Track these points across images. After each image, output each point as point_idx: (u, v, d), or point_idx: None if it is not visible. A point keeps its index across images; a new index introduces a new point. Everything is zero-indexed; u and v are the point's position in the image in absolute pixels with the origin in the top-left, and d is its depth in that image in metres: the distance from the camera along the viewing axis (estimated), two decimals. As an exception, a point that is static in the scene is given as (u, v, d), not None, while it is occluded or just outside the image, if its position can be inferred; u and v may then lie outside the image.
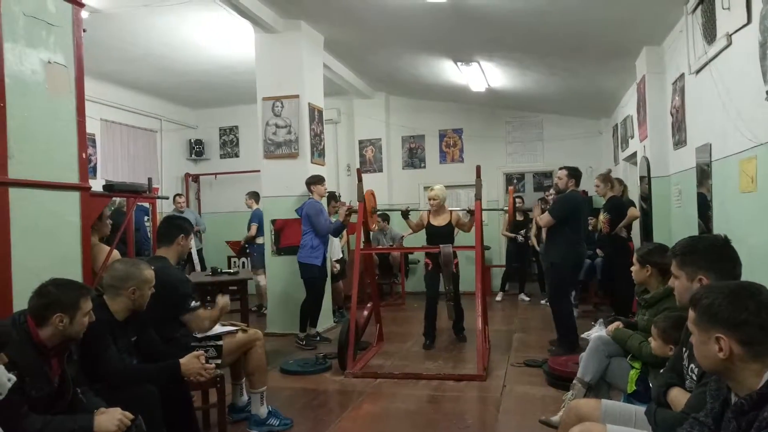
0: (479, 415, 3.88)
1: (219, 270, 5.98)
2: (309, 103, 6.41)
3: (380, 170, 9.59)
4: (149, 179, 4.70)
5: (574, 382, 3.09)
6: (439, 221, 5.63)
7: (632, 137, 7.10)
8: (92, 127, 7.46)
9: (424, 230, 5.75)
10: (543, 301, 7.48)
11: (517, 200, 7.78)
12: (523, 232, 8.30)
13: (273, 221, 6.43)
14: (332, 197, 7.01)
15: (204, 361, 2.76)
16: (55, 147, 2.91)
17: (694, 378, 1.94)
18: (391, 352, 5.44)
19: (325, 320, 6.40)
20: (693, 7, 4.47)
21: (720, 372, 1.46)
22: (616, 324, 3.05)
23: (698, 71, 4.56)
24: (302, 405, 3.99)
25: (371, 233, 6.23)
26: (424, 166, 9.77)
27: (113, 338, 2.53)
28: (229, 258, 8.87)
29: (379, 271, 8.19)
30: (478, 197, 5.14)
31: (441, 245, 5.09)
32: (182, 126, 9.84)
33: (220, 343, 3.22)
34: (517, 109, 9.30)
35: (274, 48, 6.30)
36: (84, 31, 3.09)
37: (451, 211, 5.70)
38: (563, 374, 4.00)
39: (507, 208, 5.90)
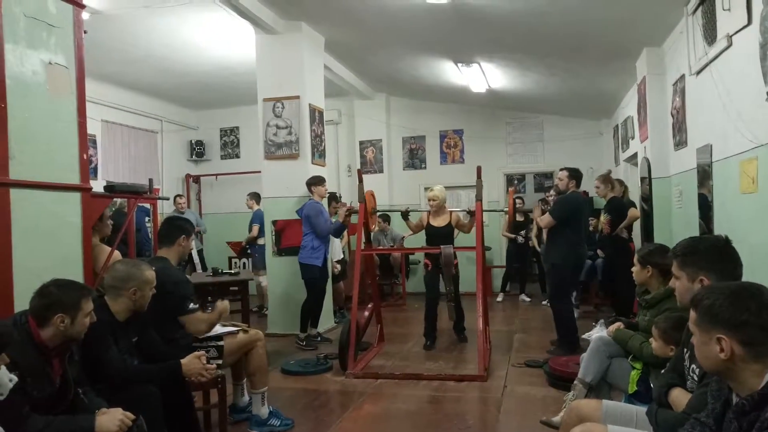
0: (480, 416, 3.88)
1: (220, 271, 5.98)
2: (310, 104, 6.41)
3: (381, 171, 9.59)
4: (150, 180, 4.72)
5: (575, 382, 3.10)
6: (438, 222, 5.62)
7: (633, 138, 7.10)
8: (93, 128, 7.46)
9: (423, 231, 5.76)
10: (544, 302, 7.47)
11: (518, 201, 7.79)
12: (523, 232, 8.30)
13: (274, 222, 6.43)
14: (333, 198, 7.00)
15: (205, 362, 2.77)
16: (56, 148, 2.92)
17: (695, 378, 1.94)
18: (392, 353, 5.44)
19: (326, 321, 6.40)
20: (693, 8, 4.47)
21: (721, 372, 1.45)
22: (617, 325, 3.06)
23: (699, 72, 4.56)
24: (303, 405, 3.99)
25: (372, 234, 6.24)
26: (425, 167, 9.76)
27: (114, 339, 2.53)
28: (229, 259, 8.86)
29: (380, 272, 8.18)
30: (478, 198, 5.14)
31: (442, 246, 5.09)
32: (183, 127, 9.84)
33: (221, 343, 3.23)
34: (517, 110, 9.30)
35: (274, 49, 6.30)
36: (85, 32, 3.10)
37: (450, 212, 5.69)
38: (564, 375, 4.00)
39: (507, 209, 5.90)
